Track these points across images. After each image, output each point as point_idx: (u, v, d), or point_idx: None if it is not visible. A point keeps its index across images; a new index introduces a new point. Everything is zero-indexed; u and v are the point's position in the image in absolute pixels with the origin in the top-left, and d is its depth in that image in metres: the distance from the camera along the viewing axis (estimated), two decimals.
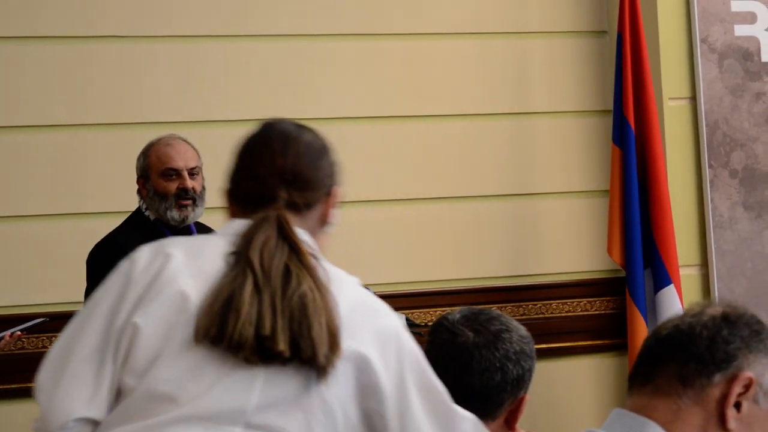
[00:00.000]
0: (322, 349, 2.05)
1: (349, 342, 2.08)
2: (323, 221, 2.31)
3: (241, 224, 2.20)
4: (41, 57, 4.99)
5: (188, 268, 2.13)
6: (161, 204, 4.22)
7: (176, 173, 4.23)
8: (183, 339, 2.06)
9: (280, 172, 2.25)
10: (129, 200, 4.44)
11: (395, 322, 2.16)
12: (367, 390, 2.07)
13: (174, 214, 4.22)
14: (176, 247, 2.18)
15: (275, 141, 2.31)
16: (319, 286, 2.14)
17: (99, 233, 4.29)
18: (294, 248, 2.16)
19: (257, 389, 2.05)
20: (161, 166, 4.24)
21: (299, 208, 2.25)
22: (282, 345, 2.03)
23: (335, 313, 2.11)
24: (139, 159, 4.30)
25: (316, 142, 2.34)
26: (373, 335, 2.11)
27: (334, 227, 2.32)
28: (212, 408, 2.02)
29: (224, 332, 2.04)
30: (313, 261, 2.18)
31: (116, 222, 4.34)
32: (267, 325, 2.04)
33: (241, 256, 2.12)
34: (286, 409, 2.04)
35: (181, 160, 4.24)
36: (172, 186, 4.22)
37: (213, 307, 2.07)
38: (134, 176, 4.36)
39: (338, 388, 2.06)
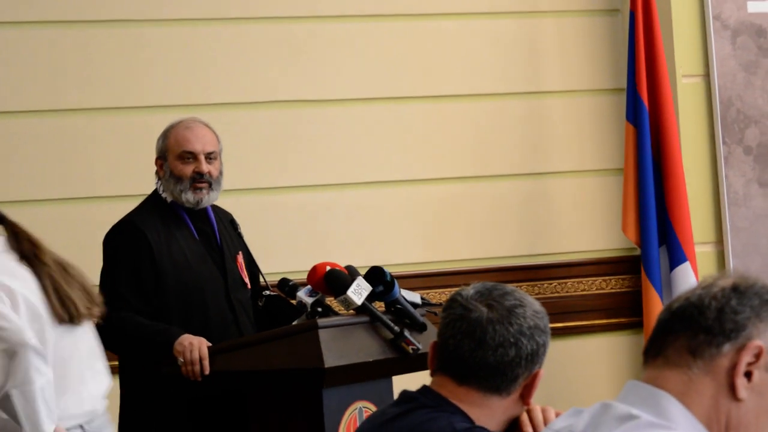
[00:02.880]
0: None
1: None
2: None
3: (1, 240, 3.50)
4: (51, 41, 5.00)
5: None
6: (176, 186, 4.22)
7: (193, 156, 4.23)
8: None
9: None
10: (143, 184, 4.45)
11: None
12: None
13: (189, 197, 4.22)
14: None
15: None
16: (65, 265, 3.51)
17: (113, 217, 4.31)
18: (38, 244, 3.50)
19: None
20: (178, 148, 4.24)
21: None
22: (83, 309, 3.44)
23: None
24: (158, 140, 4.30)
25: None
26: None
27: None
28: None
29: (71, 313, 3.39)
30: None
31: (130, 205, 4.35)
32: (80, 301, 3.44)
33: (37, 260, 3.43)
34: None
35: (199, 143, 4.24)
36: (188, 169, 4.22)
37: (58, 297, 3.38)
38: (147, 160, 4.36)
39: None
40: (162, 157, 4.27)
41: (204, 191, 4.23)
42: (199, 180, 4.21)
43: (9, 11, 4.96)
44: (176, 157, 4.23)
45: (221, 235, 4.31)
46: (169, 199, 4.26)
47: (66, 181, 5.00)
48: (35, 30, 4.99)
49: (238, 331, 4.21)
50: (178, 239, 4.21)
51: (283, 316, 4.24)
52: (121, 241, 4.18)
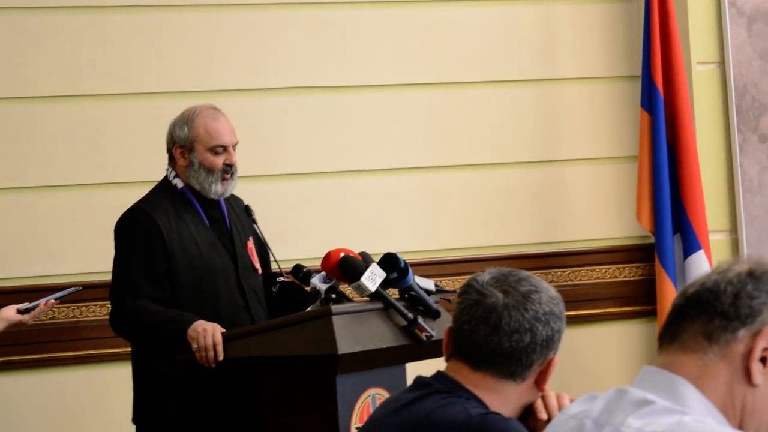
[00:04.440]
0: None
1: None
2: None
3: None
4: (65, 27, 5.01)
5: None
6: (207, 177, 4.21)
7: (223, 149, 4.24)
8: None
9: None
10: (158, 170, 4.45)
11: None
12: None
13: (218, 188, 4.23)
14: None
15: None
16: None
17: (129, 202, 4.31)
18: None
19: None
20: (211, 141, 4.22)
21: None
22: None
23: None
24: (181, 128, 4.25)
25: None
26: None
27: None
28: None
29: None
30: None
31: (146, 192, 4.36)
32: None
33: None
34: None
35: (228, 136, 4.25)
36: (219, 161, 4.22)
37: None
38: (162, 146, 4.34)
39: None
40: (186, 147, 4.23)
41: (229, 182, 4.25)
42: (227, 171, 4.23)
43: None
44: (208, 149, 4.21)
45: (231, 221, 4.31)
46: (179, 186, 4.25)
47: (81, 167, 5.00)
48: (49, 16, 4.99)
49: (250, 317, 4.21)
50: (188, 226, 4.21)
51: (297, 302, 4.24)
52: (132, 229, 4.17)
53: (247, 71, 5.18)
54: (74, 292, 4.40)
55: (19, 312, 4.23)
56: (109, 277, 4.23)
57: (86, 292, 4.74)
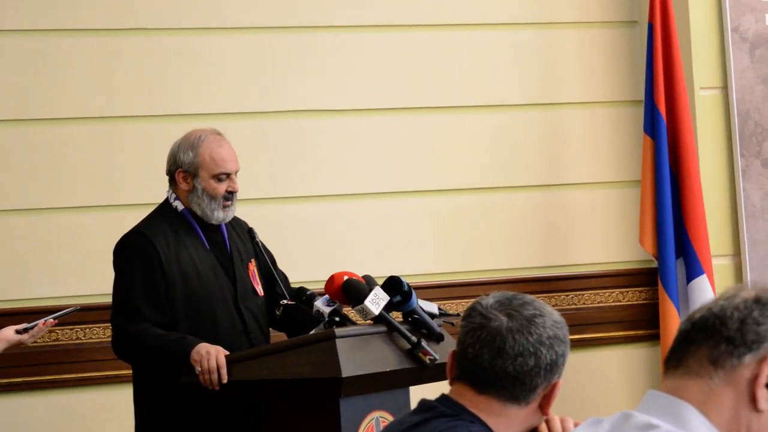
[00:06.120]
0: None
1: None
2: None
3: None
4: (72, 50, 5.02)
5: None
6: (210, 203, 4.21)
7: (227, 176, 4.25)
8: None
9: None
10: (159, 192, 4.46)
11: None
12: None
13: (220, 215, 4.23)
14: None
15: None
16: None
17: (129, 225, 4.31)
18: None
19: None
20: (216, 168, 4.21)
21: None
22: None
23: None
24: (185, 153, 4.24)
25: None
26: None
27: None
28: None
29: None
30: None
31: (147, 213, 4.35)
32: None
33: None
34: None
35: (233, 163, 4.25)
36: (222, 188, 4.22)
37: None
38: (163, 168, 4.33)
39: None
40: (190, 172, 4.22)
41: (230, 208, 4.25)
42: (229, 198, 4.23)
43: (30, 20, 4.98)
44: (212, 176, 4.21)
45: (231, 243, 4.31)
46: (180, 208, 4.25)
47: (84, 189, 5.01)
48: (54, 39, 5.01)
49: (248, 340, 4.20)
50: (188, 249, 4.20)
51: (300, 325, 4.23)
52: (131, 253, 4.17)
53: (251, 94, 5.19)
54: (72, 311, 4.39)
55: (18, 332, 4.22)
56: (110, 299, 4.23)
57: (89, 313, 4.74)
